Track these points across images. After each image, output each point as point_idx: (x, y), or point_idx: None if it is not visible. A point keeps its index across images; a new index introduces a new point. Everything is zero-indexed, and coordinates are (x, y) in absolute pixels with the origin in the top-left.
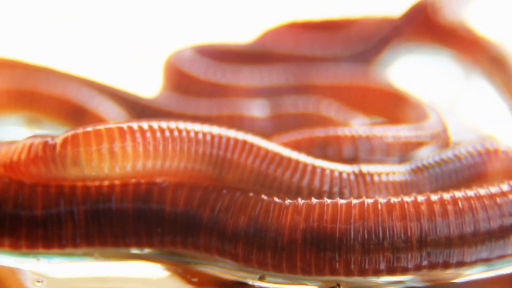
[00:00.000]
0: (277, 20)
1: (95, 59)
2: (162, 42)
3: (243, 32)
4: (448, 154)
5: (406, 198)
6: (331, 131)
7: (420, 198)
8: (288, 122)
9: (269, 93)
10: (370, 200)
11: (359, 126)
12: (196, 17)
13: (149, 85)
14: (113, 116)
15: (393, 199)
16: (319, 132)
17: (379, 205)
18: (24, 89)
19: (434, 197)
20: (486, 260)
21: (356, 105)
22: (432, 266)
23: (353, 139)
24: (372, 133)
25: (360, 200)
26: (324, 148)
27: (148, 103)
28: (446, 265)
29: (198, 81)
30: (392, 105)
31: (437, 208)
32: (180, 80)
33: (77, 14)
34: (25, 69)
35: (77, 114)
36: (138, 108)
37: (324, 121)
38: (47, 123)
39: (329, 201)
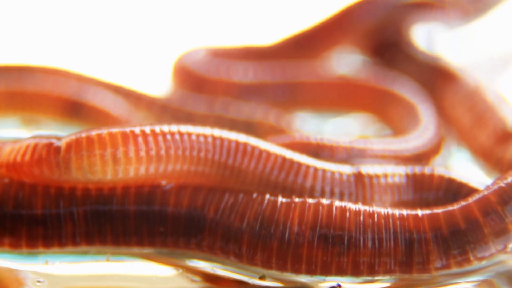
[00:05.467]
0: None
1: (103, 57)
2: (171, 41)
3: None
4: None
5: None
6: (326, 141)
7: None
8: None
9: (259, 90)
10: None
11: (353, 138)
12: (206, 18)
13: (159, 84)
14: (111, 105)
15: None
16: (313, 139)
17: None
18: (13, 90)
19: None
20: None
21: (346, 102)
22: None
23: (347, 150)
24: (366, 145)
25: (369, 206)
26: (317, 154)
27: (166, 103)
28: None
29: (207, 80)
30: (382, 102)
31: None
32: (191, 80)
33: (84, 14)
34: (14, 70)
35: (72, 109)
36: (156, 108)
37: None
38: (45, 121)
39: (337, 202)
